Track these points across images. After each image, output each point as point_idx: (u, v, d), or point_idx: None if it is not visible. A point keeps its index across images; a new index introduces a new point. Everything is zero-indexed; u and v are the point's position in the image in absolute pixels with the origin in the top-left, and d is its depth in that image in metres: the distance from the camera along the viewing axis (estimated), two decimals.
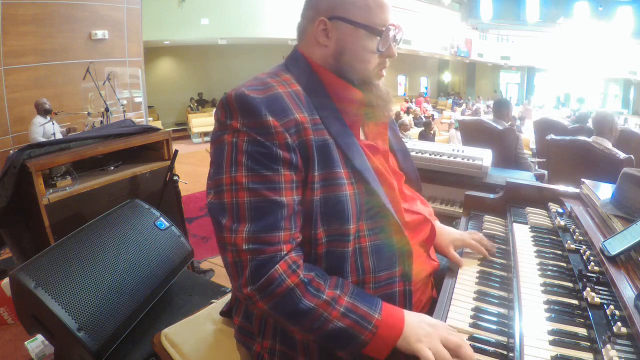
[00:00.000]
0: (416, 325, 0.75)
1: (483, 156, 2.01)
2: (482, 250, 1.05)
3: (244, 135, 0.73)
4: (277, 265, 0.71)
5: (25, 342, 1.68)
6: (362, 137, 0.90)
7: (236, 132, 0.74)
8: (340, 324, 0.72)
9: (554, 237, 1.09)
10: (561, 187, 1.33)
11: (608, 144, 2.76)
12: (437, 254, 1.08)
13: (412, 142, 2.40)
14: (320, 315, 0.72)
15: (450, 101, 17.17)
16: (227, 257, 0.73)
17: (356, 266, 0.80)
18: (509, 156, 3.16)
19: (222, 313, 1.12)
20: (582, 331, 0.73)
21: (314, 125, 0.78)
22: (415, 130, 7.71)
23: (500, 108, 3.52)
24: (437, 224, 1.07)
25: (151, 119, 8.68)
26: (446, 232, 1.07)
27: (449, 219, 1.90)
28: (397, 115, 8.30)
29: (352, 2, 0.81)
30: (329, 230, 0.78)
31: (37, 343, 1.68)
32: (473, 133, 3.54)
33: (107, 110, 4.96)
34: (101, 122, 5.00)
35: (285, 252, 0.72)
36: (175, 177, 2.32)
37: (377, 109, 0.87)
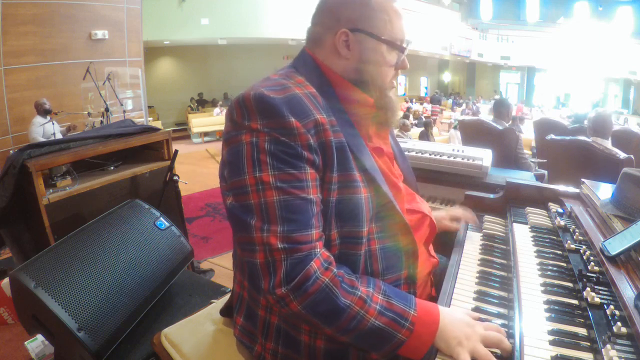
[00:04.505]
0: (453, 324, 0.73)
1: (483, 156, 2.00)
2: (469, 215, 1.18)
3: (264, 135, 0.72)
4: (312, 262, 0.70)
5: (25, 342, 1.69)
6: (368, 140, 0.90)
7: (255, 132, 0.72)
8: (377, 323, 0.70)
9: (554, 237, 1.09)
10: (561, 187, 1.33)
11: (608, 144, 2.76)
12: (437, 253, 1.08)
13: (412, 142, 2.39)
14: (356, 314, 0.70)
15: (450, 101, 17.17)
16: (258, 258, 0.71)
17: (366, 270, 0.80)
18: (509, 156, 3.17)
19: (222, 313, 1.12)
20: (582, 331, 0.73)
21: (332, 127, 0.77)
22: (416, 131, 7.71)
23: (500, 108, 3.53)
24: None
25: (151, 119, 8.67)
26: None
27: None
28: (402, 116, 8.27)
29: (374, 16, 0.80)
30: (342, 232, 0.77)
31: (37, 343, 1.68)
32: (473, 133, 3.54)
33: (107, 110, 4.96)
34: (101, 122, 5.00)
35: (318, 250, 0.72)
36: (175, 177, 2.32)
37: (384, 117, 0.87)
